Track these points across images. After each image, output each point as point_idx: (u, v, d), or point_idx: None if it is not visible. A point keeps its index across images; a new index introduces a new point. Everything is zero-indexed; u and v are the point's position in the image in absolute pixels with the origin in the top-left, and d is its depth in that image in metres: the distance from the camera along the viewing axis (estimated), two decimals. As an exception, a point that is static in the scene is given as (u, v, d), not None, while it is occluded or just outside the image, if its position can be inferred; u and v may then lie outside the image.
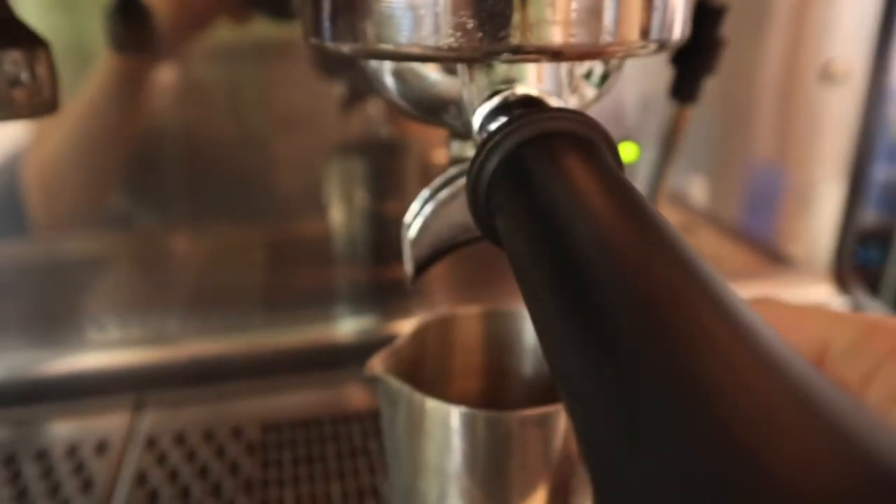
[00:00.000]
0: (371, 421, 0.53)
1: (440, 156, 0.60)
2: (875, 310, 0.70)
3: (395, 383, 0.33)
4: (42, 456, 0.50)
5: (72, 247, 0.57)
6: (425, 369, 0.40)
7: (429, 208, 0.32)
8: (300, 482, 0.47)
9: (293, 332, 0.62)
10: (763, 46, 0.65)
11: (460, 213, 0.32)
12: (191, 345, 0.60)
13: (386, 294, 0.63)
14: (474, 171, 0.24)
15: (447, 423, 0.33)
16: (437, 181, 0.33)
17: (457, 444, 0.33)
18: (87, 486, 0.47)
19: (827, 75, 0.66)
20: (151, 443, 0.51)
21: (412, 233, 0.32)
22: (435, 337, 0.41)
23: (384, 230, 0.62)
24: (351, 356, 0.60)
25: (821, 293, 0.73)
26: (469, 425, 0.32)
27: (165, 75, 0.54)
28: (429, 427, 0.33)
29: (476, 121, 0.28)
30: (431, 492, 0.34)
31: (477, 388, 0.43)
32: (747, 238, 0.73)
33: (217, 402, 0.56)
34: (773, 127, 0.69)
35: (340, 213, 0.61)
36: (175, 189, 0.57)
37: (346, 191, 0.61)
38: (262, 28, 0.54)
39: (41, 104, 0.34)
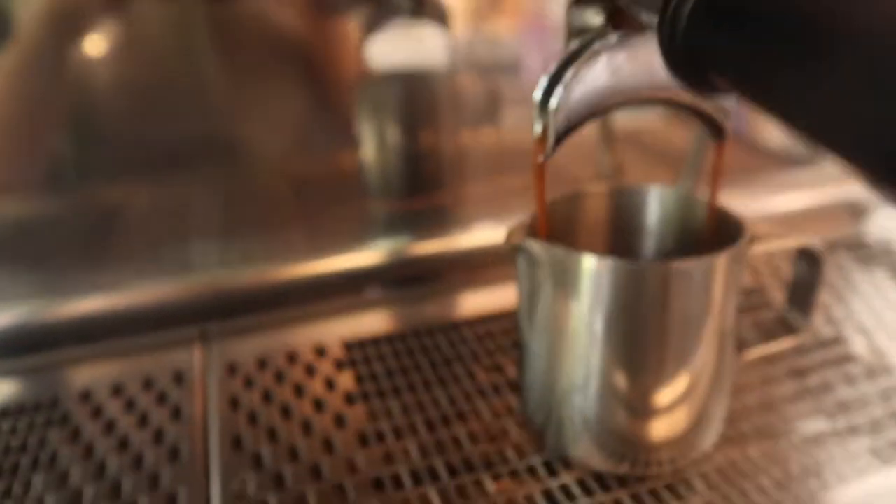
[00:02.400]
0: (455, 331, 0.52)
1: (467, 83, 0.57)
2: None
3: (543, 246, 0.33)
4: (118, 390, 0.49)
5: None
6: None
7: (569, 74, 0.30)
8: (400, 392, 0.46)
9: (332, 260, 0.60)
10: None
11: (604, 76, 0.30)
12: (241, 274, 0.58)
13: (419, 219, 0.61)
14: (670, 11, 0.22)
15: (602, 276, 0.33)
16: (562, 59, 0.31)
17: (610, 297, 0.33)
18: (175, 413, 0.46)
19: None
20: (233, 369, 0.50)
21: (553, 103, 0.30)
22: (562, 213, 0.40)
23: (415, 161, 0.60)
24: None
25: None
26: (627, 276, 0.33)
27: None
28: (581, 284, 0.33)
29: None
30: (578, 354, 0.35)
31: None
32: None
33: (279, 328, 0.54)
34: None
35: (370, 146, 0.58)
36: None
37: (377, 122, 0.58)
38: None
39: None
